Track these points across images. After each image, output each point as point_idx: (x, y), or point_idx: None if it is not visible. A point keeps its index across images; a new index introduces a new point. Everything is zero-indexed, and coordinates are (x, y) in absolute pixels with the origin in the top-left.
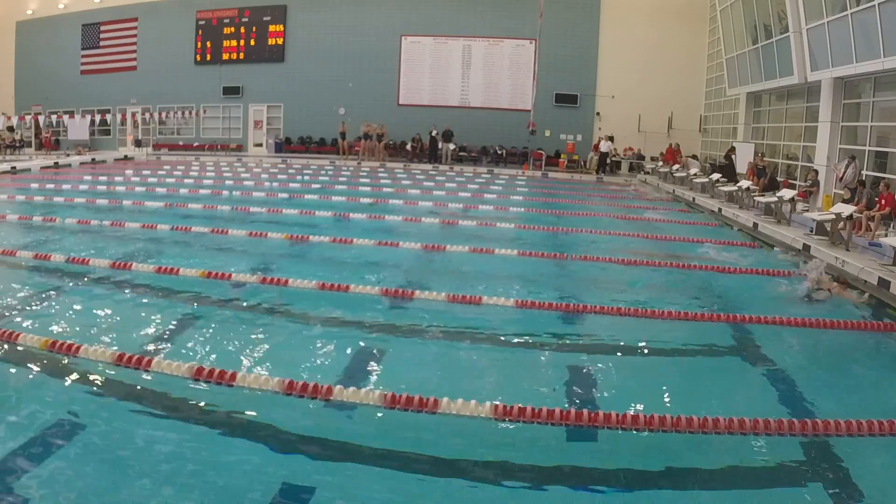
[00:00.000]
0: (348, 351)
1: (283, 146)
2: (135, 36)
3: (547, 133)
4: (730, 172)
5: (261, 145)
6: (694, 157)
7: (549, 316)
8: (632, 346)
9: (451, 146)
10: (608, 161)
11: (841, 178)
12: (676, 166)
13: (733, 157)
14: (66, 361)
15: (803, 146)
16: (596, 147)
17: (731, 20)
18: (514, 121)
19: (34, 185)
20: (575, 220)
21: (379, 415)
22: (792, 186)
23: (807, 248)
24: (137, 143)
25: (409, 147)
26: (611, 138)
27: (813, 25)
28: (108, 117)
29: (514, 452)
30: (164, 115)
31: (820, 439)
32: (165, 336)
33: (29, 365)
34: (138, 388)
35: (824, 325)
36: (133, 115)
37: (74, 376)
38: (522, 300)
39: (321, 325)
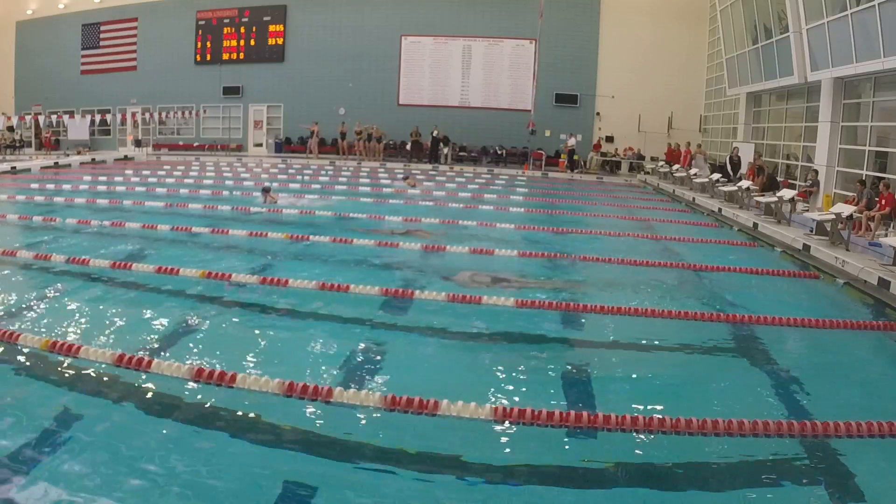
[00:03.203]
0: (348, 352)
1: (283, 146)
2: (135, 36)
3: (547, 133)
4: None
5: (261, 145)
6: (700, 147)
7: (549, 316)
8: (632, 346)
9: (445, 150)
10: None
11: None
12: (677, 166)
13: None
14: (66, 361)
15: (803, 146)
16: (596, 147)
17: (731, 20)
18: (514, 121)
19: (34, 185)
20: (574, 220)
21: (379, 416)
22: (792, 186)
23: (807, 248)
24: (137, 143)
25: (408, 147)
26: (609, 138)
27: (813, 25)
28: (108, 117)
29: (515, 454)
30: (164, 115)
31: (820, 440)
32: (165, 337)
33: (29, 365)
34: (138, 388)
35: (824, 324)
36: (133, 115)
37: (74, 376)
38: (522, 300)
39: (321, 325)
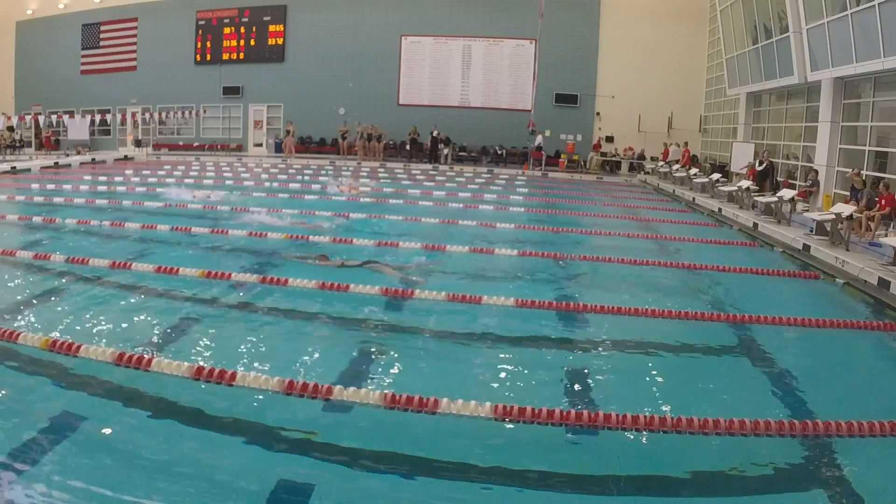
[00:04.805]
0: (348, 351)
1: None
2: (135, 36)
3: (547, 133)
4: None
5: (261, 145)
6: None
7: (549, 316)
8: (632, 346)
9: (446, 150)
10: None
11: None
12: (677, 166)
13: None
14: (66, 361)
15: (803, 146)
16: (596, 147)
17: (731, 20)
18: (514, 121)
19: (34, 185)
20: (574, 220)
21: (379, 415)
22: (792, 186)
23: (807, 247)
24: (137, 143)
25: (407, 147)
26: (609, 138)
27: (813, 25)
28: (108, 117)
29: (514, 453)
30: (164, 115)
31: (820, 440)
32: (165, 336)
33: (29, 365)
34: (138, 387)
35: (824, 324)
36: (133, 115)
37: (74, 376)
38: (522, 300)
39: (321, 325)
